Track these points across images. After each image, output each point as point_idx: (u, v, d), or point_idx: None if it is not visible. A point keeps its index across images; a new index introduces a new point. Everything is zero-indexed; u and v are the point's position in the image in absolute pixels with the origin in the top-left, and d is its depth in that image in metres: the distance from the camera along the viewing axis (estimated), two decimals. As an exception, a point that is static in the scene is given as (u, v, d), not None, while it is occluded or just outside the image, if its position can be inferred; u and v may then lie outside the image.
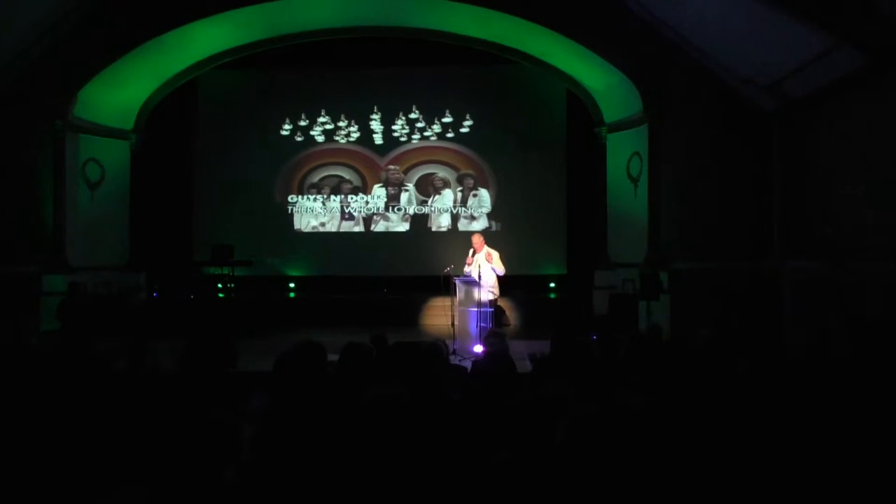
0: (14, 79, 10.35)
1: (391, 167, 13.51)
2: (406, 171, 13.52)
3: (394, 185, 13.46)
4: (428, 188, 13.47)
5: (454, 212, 13.37)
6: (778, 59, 8.75)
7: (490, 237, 10.55)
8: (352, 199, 13.50)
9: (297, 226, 13.48)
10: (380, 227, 13.47)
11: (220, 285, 12.15)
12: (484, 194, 13.36)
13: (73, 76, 10.57)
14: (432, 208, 13.43)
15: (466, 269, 9.07)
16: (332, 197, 13.49)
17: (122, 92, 11.40)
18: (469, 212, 13.34)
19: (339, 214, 13.49)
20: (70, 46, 10.42)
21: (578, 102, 12.13)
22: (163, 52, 10.99)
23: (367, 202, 13.49)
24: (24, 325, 9.77)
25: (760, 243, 9.98)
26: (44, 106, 10.48)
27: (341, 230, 13.49)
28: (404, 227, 13.45)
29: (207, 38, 11.12)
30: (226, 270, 11.86)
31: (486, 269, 8.88)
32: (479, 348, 7.98)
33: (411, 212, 13.43)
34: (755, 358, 4.38)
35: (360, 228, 13.49)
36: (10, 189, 10.47)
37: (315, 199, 13.49)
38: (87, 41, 10.43)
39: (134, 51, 10.58)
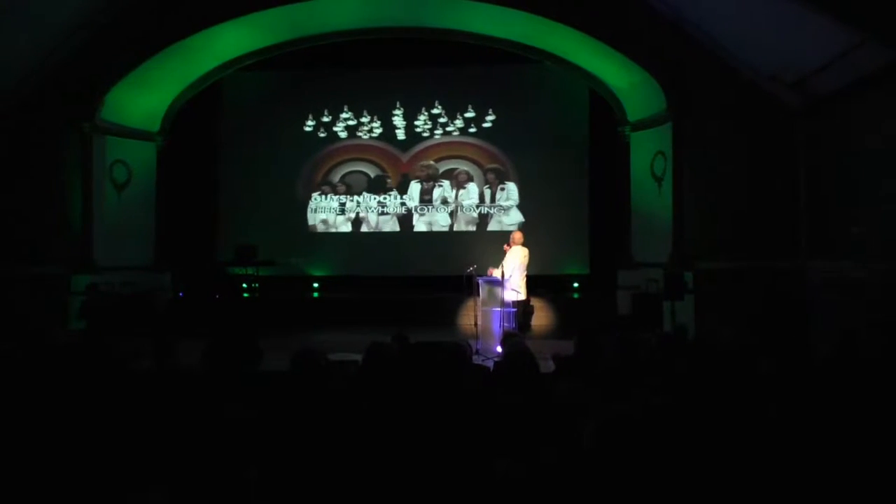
0: (42, 81, 10.55)
1: (424, 163, 13.51)
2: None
3: (428, 179, 13.46)
4: (452, 183, 13.47)
5: (482, 211, 13.34)
6: (803, 56, 8.63)
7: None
8: (373, 196, 13.53)
9: (319, 224, 13.56)
10: (411, 224, 13.45)
11: (244, 285, 12.26)
12: (511, 186, 13.31)
13: (101, 79, 10.74)
14: (458, 203, 13.41)
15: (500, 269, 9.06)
16: (354, 196, 13.54)
17: (149, 94, 11.56)
18: (498, 204, 13.28)
19: (362, 212, 13.53)
20: (97, 50, 10.59)
21: (601, 101, 12.07)
22: (188, 55, 11.13)
23: (393, 199, 13.51)
24: (51, 324, 9.97)
25: (786, 242, 9.84)
26: (71, 108, 10.68)
27: (363, 229, 13.54)
28: (429, 226, 13.43)
29: (231, 41, 11.24)
30: (250, 270, 11.96)
31: (508, 268, 8.89)
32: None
33: (449, 209, 13.37)
34: (780, 358, 4.33)
35: (388, 227, 13.50)
36: (39, 190, 10.67)
37: (337, 197, 13.55)
38: (113, 44, 10.60)
39: (160, 54, 10.73)
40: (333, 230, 13.57)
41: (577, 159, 13.01)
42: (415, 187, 13.48)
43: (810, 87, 9.14)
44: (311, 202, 13.59)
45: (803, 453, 2.93)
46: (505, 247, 9.40)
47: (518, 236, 9.46)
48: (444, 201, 13.39)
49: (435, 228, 13.44)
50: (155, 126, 12.04)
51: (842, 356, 4.68)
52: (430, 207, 13.42)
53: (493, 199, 13.33)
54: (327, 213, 13.57)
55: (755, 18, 8.68)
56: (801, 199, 9.77)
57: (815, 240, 9.55)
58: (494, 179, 13.35)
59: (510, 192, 13.29)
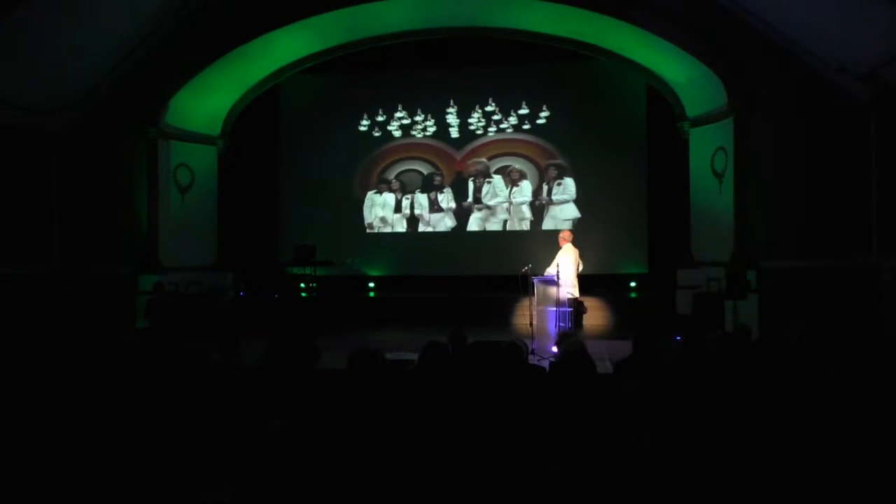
0: (111, 89, 10.99)
1: (475, 160, 13.49)
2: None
3: (479, 176, 13.45)
4: (505, 180, 13.41)
5: (536, 204, 13.23)
6: (874, 45, 8.29)
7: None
8: (427, 195, 13.57)
9: (375, 224, 13.67)
10: (464, 222, 13.43)
11: (302, 285, 12.45)
12: (569, 182, 13.14)
13: (165, 85, 11.08)
14: (511, 201, 13.35)
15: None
16: (409, 195, 13.61)
17: (210, 99, 11.87)
18: (554, 199, 13.12)
19: (416, 211, 13.58)
20: (161, 57, 10.94)
21: (659, 96, 11.84)
22: (247, 60, 11.39)
23: (446, 197, 13.53)
24: (121, 323, 10.34)
25: (858, 240, 9.45)
26: (138, 114, 11.05)
27: (419, 229, 13.60)
28: (482, 224, 13.39)
29: (290, 45, 11.45)
30: (308, 270, 12.15)
31: (564, 267, 8.78)
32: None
33: (494, 203, 13.33)
34: (852, 360, 4.15)
35: (442, 226, 13.52)
36: (109, 193, 11.14)
37: (392, 196, 13.64)
38: (176, 51, 10.92)
39: (220, 59, 11.01)
40: (389, 230, 13.67)
41: (635, 156, 12.79)
42: (467, 185, 13.47)
43: (882, 78, 8.77)
44: (366, 202, 13.72)
45: (877, 455, 2.81)
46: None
47: (567, 234, 9.29)
48: (495, 197, 13.31)
49: (488, 227, 13.39)
50: (216, 130, 12.37)
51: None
52: (482, 205, 13.38)
53: (549, 195, 13.20)
54: (383, 212, 13.68)
55: (821, 8, 8.39)
56: (873, 195, 9.38)
57: (889, 237, 9.15)
58: (554, 175, 13.21)
59: (567, 187, 13.13)
